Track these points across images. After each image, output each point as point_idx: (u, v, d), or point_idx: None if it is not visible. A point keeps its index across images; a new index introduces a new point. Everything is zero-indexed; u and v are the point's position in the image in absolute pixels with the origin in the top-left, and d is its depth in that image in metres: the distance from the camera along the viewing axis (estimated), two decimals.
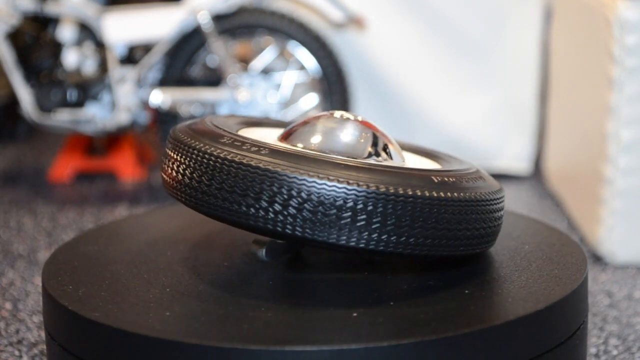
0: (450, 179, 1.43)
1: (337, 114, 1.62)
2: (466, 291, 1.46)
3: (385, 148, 1.59)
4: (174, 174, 1.47)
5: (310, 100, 3.43)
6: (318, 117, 1.62)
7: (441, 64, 3.59)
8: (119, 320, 1.35)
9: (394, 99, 3.62)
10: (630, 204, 2.49)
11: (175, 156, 1.47)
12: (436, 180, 1.40)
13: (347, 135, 1.57)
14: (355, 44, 3.58)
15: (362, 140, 1.57)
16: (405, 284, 1.52)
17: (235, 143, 1.43)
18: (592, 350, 1.94)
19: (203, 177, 1.41)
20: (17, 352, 1.97)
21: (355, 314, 1.36)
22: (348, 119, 1.61)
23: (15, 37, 3.37)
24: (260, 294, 1.48)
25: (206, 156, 1.42)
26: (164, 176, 1.52)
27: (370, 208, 1.33)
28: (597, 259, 2.57)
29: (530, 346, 1.37)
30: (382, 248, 1.36)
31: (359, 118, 1.62)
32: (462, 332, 1.29)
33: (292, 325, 1.33)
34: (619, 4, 2.44)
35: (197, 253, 1.69)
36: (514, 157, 3.63)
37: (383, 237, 1.35)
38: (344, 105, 3.32)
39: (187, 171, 1.44)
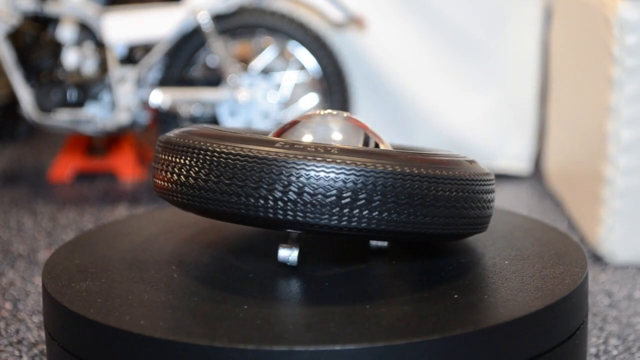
0: (443, 160, 1.45)
1: (329, 112, 1.63)
2: (465, 292, 1.46)
3: (376, 146, 1.60)
4: (173, 177, 1.46)
5: (310, 100, 3.43)
6: (309, 116, 1.63)
7: (441, 64, 3.59)
8: (119, 320, 1.35)
9: (394, 99, 3.62)
10: (630, 204, 2.49)
11: (176, 159, 1.46)
12: (428, 161, 1.42)
13: (338, 133, 1.59)
14: (355, 44, 3.58)
15: (354, 138, 1.59)
16: (403, 283, 1.52)
17: (236, 139, 1.43)
18: (592, 350, 1.94)
19: (201, 173, 1.41)
20: (17, 352, 1.97)
21: (352, 313, 1.36)
22: (339, 117, 1.62)
23: (15, 37, 3.37)
24: (263, 293, 1.48)
25: (209, 153, 1.42)
26: (162, 182, 1.50)
27: (370, 187, 1.35)
28: (597, 259, 2.57)
29: (530, 346, 1.37)
30: (383, 227, 1.37)
31: (351, 117, 1.63)
32: (461, 332, 1.29)
33: (293, 325, 1.33)
34: (619, 4, 2.44)
35: (198, 253, 1.69)
36: (514, 157, 3.63)
37: (384, 215, 1.37)
38: (344, 105, 3.32)
39: (183, 170, 1.44)
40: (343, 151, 1.39)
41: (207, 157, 1.42)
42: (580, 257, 1.62)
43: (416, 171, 1.38)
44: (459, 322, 1.33)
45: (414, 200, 1.38)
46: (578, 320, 1.50)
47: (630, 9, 2.42)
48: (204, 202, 1.42)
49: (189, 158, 1.44)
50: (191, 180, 1.43)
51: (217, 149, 1.41)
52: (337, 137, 1.58)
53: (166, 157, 1.49)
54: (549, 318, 1.39)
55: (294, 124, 1.62)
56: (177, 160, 1.46)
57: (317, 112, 1.64)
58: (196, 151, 1.43)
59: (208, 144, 1.43)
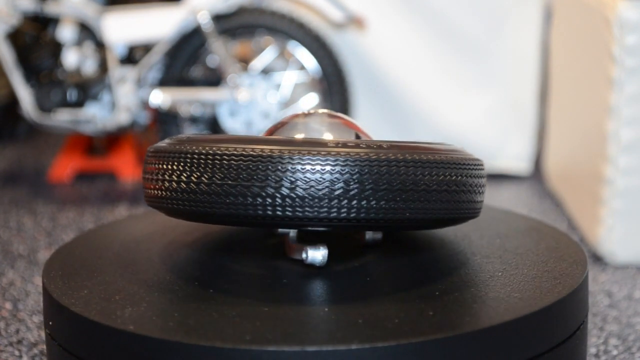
0: (431, 147, 1.47)
1: (316, 112, 1.64)
2: (465, 291, 1.46)
3: None
4: (172, 184, 1.45)
5: (310, 100, 3.44)
6: (298, 116, 1.64)
7: (441, 64, 3.59)
8: (119, 320, 1.35)
9: (393, 99, 3.62)
10: (630, 204, 2.49)
11: (171, 166, 1.45)
12: (417, 148, 1.44)
13: (329, 132, 1.60)
14: (355, 44, 3.58)
15: (344, 135, 1.60)
16: (400, 281, 1.52)
17: (234, 141, 1.42)
18: (592, 350, 1.94)
19: (203, 177, 1.40)
20: (17, 352, 1.97)
21: (349, 313, 1.36)
22: (328, 116, 1.63)
23: (15, 37, 3.37)
24: (259, 293, 1.48)
25: (203, 155, 1.41)
26: (156, 192, 1.49)
27: (365, 176, 1.37)
28: (597, 259, 2.57)
29: (530, 346, 1.37)
30: (381, 215, 1.38)
31: (337, 115, 1.65)
32: (460, 332, 1.29)
33: (290, 325, 1.33)
34: (619, 4, 2.44)
35: (199, 253, 1.69)
36: (514, 157, 3.63)
37: (381, 203, 1.37)
38: (344, 105, 3.32)
39: (182, 177, 1.43)
40: (335, 144, 1.40)
41: (206, 160, 1.41)
42: (580, 257, 1.62)
43: (409, 157, 1.40)
44: (458, 322, 1.33)
45: (407, 187, 1.39)
46: (578, 320, 1.50)
47: (630, 9, 2.42)
48: (208, 206, 1.41)
49: (185, 163, 1.43)
50: (192, 186, 1.41)
51: (218, 151, 1.40)
52: (328, 136, 1.59)
53: (161, 165, 1.47)
54: (549, 318, 1.39)
55: (283, 124, 1.63)
56: (174, 167, 1.44)
57: (305, 112, 1.65)
58: (195, 156, 1.42)
59: (207, 148, 1.42)
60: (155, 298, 1.45)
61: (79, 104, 3.34)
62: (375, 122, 3.64)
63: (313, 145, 1.38)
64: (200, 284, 1.50)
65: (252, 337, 1.28)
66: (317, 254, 1.51)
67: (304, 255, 1.51)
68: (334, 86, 3.31)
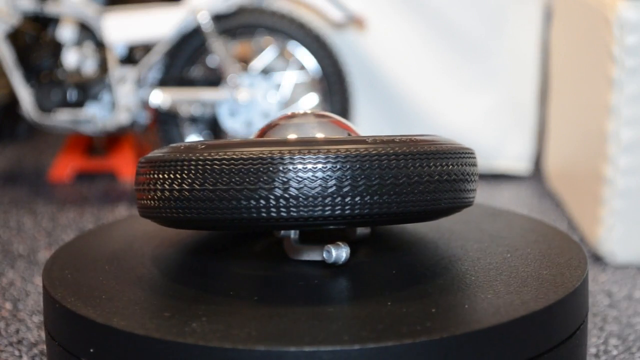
0: (421, 139, 1.47)
1: (309, 112, 1.65)
2: (465, 291, 1.46)
3: None
4: (165, 193, 1.44)
5: (310, 100, 3.44)
6: (288, 117, 1.64)
7: (441, 64, 3.59)
8: (119, 320, 1.35)
9: (393, 99, 3.62)
10: (630, 204, 2.49)
11: (166, 175, 1.45)
12: (406, 141, 1.44)
13: (321, 132, 1.61)
14: (355, 44, 3.58)
15: (336, 134, 1.61)
16: (398, 280, 1.52)
17: (227, 145, 1.42)
18: (592, 350, 1.94)
19: (206, 183, 1.40)
20: (17, 352, 1.97)
21: (345, 313, 1.36)
22: (318, 117, 1.64)
23: (15, 37, 3.37)
24: (253, 294, 1.48)
25: (201, 162, 1.41)
26: (151, 203, 1.48)
27: (357, 172, 1.37)
28: (597, 259, 2.57)
29: (530, 346, 1.37)
30: (376, 210, 1.38)
31: (326, 114, 1.65)
32: (461, 332, 1.29)
33: (286, 326, 1.33)
34: (619, 4, 2.44)
35: (199, 254, 1.69)
36: (514, 157, 3.63)
37: (375, 198, 1.38)
38: (344, 105, 3.32)
39: (175, 185, 1.42)
40: (329, 142, 1.40)
41: (199, 166, 1.40)
42: (580, 257, 1.62)
43: (399, 150, 1.40)
44: (457, 322, 1.33)
45: (403, 180, 1.39)
46: (578, 320, 1.50)
47: (630, 9, 2.42)
48: (203, 212, 1.40)
49: (180, 171, 1.42)
50: (196, 193, 1.41)
51: (211, 156, 1.40)
52: (320, 135, 1.60)
53: (155, 175, 1.46)
54: (549, 318, 1.39)
55: (273, 126, 1.63)
56: (169, 176, 1.43)
57: (296, 112, 1.66)
58: (187, 163, 1.42)
59: (198, 154, 1.41)
60: (156, 298, 1.45)
61: (79, 104, 3.34)
62: (375, 122, 3.64)
63: (312, 145, 1.38)
64: (201, 284, 1.49)
65: (240, 338, 1.26)
66: (342, 252, 1.51)
67: (325, 255, 1.51)
68: (334, 86, 3.31)
